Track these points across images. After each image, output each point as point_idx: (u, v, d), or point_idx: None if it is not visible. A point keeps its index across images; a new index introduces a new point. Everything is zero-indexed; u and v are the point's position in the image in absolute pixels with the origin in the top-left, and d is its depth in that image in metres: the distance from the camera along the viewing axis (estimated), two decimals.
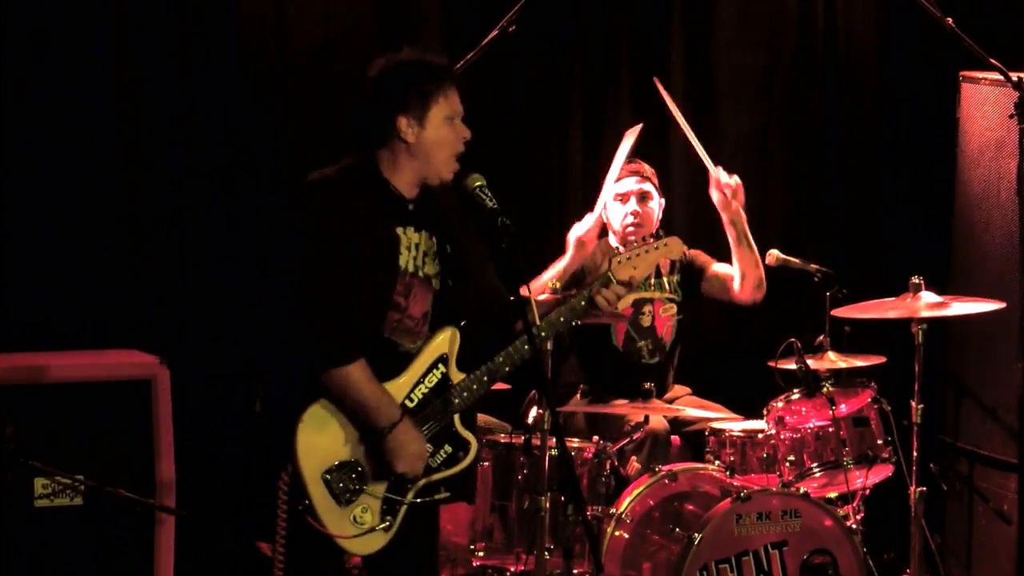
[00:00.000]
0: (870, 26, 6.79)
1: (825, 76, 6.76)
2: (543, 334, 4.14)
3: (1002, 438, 5.85)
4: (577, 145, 6.49)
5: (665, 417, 5.59)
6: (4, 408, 4.65)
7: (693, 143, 5.76)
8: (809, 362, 5.34)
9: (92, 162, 5.63)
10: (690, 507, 5.27)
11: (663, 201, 5.92)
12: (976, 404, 6.02)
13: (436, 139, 4.08)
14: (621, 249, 5.78)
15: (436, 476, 4.08)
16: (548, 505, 4.92)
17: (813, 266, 5.71)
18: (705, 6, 6.65)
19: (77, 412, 4.82)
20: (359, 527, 3.96)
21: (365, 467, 3.99)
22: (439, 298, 4.16)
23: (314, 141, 5.97)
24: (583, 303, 4.19)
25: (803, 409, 5.39)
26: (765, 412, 5.40)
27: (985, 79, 5.93)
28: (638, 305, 5.82)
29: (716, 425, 5.49)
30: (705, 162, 5.75)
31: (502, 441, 5.22)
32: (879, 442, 5.32)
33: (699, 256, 5.95)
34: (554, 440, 4.87)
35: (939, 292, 5.52)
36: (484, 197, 4.06)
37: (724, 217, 5.72)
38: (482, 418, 5.29)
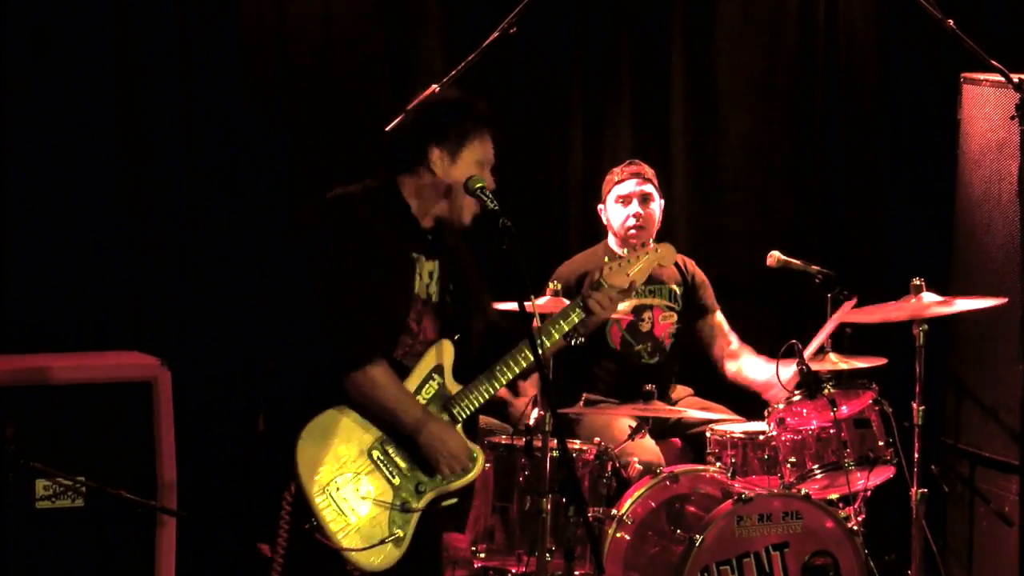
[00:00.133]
0: (871, 27, 6.79)
1: (826, 77, 6.75)
2: (541, 344, 4.14)
3: (1003, 440, 5.85)
4: (577, 145, 6.48)
5: (666, 418, 5.59)
6: (5, 410, 4.64)
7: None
8: (810, 363, 5.34)
9: (92, 162, 5.62)
10: (691, 509, 5.27)
11: (663, 202, 5.92)
12: (977, 405, 6.02)
13: (462, 179, 4.08)
14: (621, 252, 5.83)
15: (448, 487, 4.07)
16: (549, 506, 4.93)
17: (814, 267, 5.71)
18: (706, 6, 6.64)
19: (78, 414, 4.81)
20: (369, 540, 3.94)
21: (370, 479, 3.98)
22: (438, 314, 4.18)
23: (314, 141, 5.98)
24: (577, 309, 4.20)
25: (804, 411, 5.38)
26: (766, 413, 5.40)
27: (986, 80, 5.92)
28: (638, 311, 5.82)
29: (717, 427, 5.49)
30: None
31: (503, 442, 5.22)
32: (880, 443, 5.32)
33: (706, 289, 5.98)
34: (555, 441, 4.88)
35: (940, 293, 5.53)
36: (485, 198, 4.05)
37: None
38: (483, 420, 5.28)
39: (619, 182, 5.84)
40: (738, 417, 5.63)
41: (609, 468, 5.24)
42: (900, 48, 6.76)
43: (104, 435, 4.84)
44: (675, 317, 5.91)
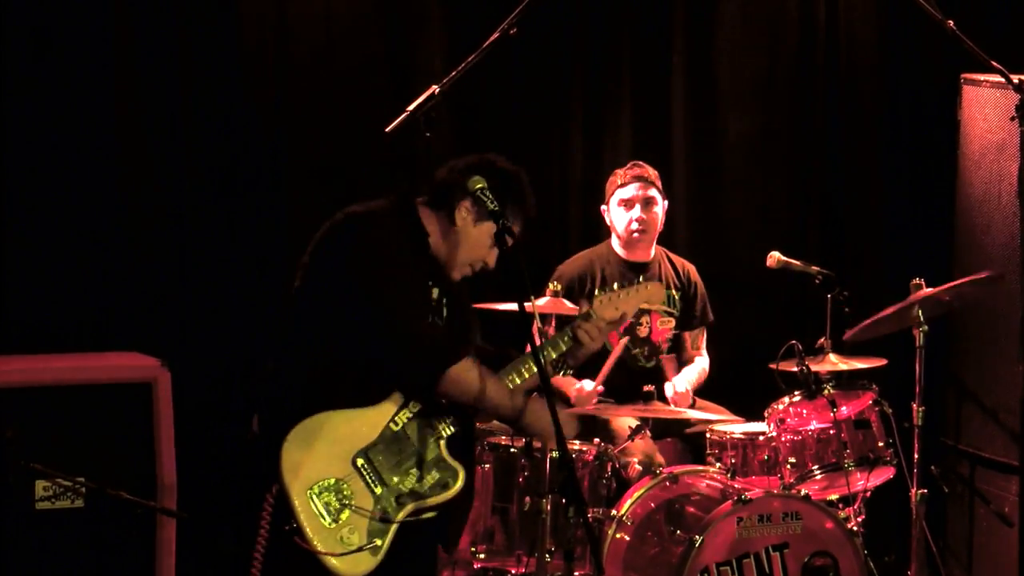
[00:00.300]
0: (871, 28, 6.79)
1: (826, 78, 6.75)
2: (528, 369, 4.20)
3: (1003, 440, 5.85)
4: (577, 145, 6.48)
5: (667, 419, 5.59)
6: (5, 410, 4.63)
7: None
8: (810, 364, 5.34)
9: (92, 162, 5.63)
10: (691, 509, 5.27)
11: (667, 203, 5.92)
12: (977, 406, 6.02)
13: (472, 242, 4.18)
14: (622, 253, 5.86)
15: (427, 502, 4.09)
16: (549, 507, 4.92)
17: (814, 268, 5.70)
18: (706, 7, 6.64)
19: (78, 414, 4.80)
20: (347, 546, 3.96)
21: (352, 486, 3.99)
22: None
23: (314, 141, 5.97)
24: (566, 337, 4.27)
25: (804, 411, 5.39)
26: (766, 414, 5.40)
27: (986, 81, 5.92)
28: (636, 316, 5.81)
29: (717, 427, 5.49)
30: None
31: (503, 443, 5.22)
32: (880, 444, 5.32)
33: (701, 302, 5.99)
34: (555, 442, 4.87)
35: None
36: (485, 199, 4.07)
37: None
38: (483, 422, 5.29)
39: (622, 185, 5.83)
40: (738, 418, 5.63)
41: (609, 469, 5.24)
42: (900, 48, 6.76)
43: (104, 436, 4.84)
44: (673, 323, 5.92)
